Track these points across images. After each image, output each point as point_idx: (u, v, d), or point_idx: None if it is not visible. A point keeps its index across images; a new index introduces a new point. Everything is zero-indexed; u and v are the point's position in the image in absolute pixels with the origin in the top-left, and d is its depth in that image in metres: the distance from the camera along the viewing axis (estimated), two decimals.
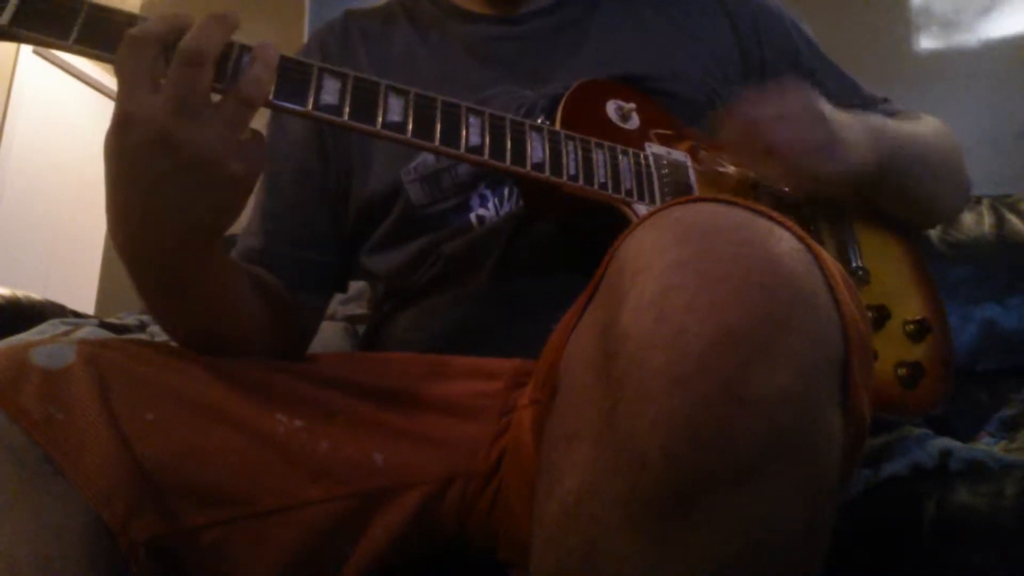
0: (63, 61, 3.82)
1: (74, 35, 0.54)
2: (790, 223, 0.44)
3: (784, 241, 0.42)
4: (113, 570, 0.51)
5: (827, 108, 0.74)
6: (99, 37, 0.54)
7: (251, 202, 0.74)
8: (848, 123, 0.75)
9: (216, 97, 0.54)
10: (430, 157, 0.79)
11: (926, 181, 0.85)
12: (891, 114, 0.94)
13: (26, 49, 3.55)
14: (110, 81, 4.12)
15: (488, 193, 0.78)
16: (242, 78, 0.54)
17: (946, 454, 0.71)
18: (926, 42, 1.99)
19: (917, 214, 0.88)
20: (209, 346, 0.64)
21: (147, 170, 0.53)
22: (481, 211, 0.78)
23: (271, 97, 0.57)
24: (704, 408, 0.37)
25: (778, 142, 0.71)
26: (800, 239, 0.43)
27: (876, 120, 0.81)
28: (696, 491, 0.37)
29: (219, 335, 0.65)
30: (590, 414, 0.42)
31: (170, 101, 0.52)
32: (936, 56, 1.97)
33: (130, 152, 0.53)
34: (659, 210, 0.45)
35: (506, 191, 0.78)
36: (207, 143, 0.52)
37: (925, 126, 0.88)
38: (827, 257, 0.43)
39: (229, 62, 0.56)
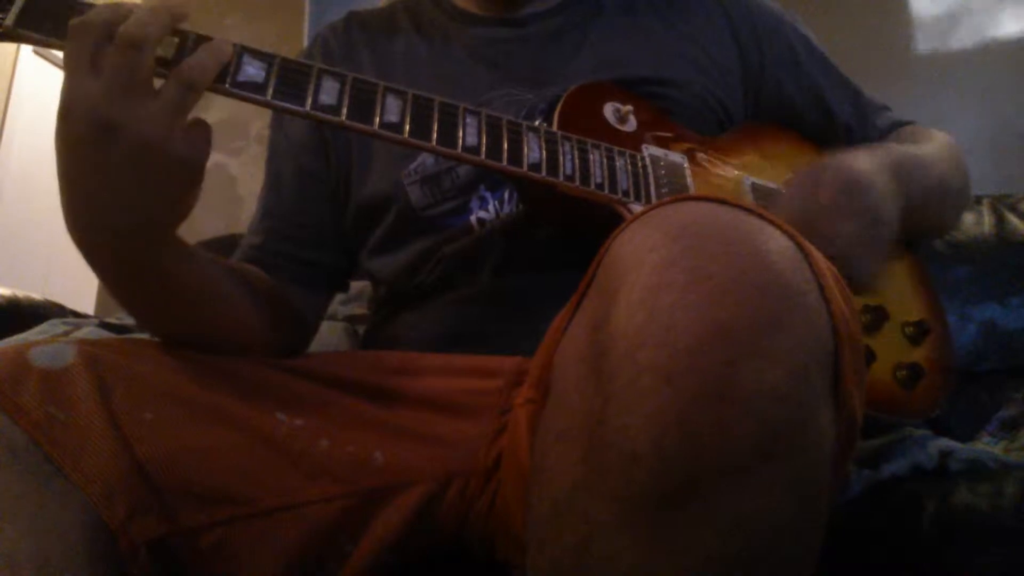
0: (63, 61, 3.81)
1: None
2: (780, 221, 0.44)
3: (774, 239, 0.42)
4: (113, 570, 0.51)
5: (865, 180, 0.70)
6: None
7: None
8: (883, 187, 0.71)
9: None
10: (430, 159, 0.79)
11: (941, 210, 0.85)
12: (893, 125, 0.94)
13: (26, 49, 3.55)
14: None
15: (488, 195, 0.78)
16: (185, 61, 0.54)
17: (946, 454, 0.71)
18: (926, 43, 1.99)
19: (926, 234, 0.89)
20: (193, 345, 0.63)
21: (91, 158, 0.52)
22: (481, 213, 0.78)
23: (270, 97, 0.57)
24: (695, 405, 0.37)
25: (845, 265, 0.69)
26: (790, 237, 0.43)
27: (901, 158, 0.78)
28: (688, 488, 0.37)
29: (199, 333, 0.65)
30: (582, 411, 0.42)
31: (110, 85, 0.51)
32: (936, 57, 1.97)
33: (73, 140, 0.52)
34: (650, 208, 0.46)
35: (506, 193, 0.78)
36: (148, 127, 0.52)
37: (937, 148, 0.87)
38: (817, 255, 0.44)
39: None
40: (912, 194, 0.75)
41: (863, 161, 0.72)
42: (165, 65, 0.54)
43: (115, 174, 0.52)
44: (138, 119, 0.51)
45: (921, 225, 0.83)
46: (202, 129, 0.55)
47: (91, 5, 0.55)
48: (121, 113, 0.51)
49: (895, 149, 0.81)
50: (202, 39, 0.56)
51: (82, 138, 0.52)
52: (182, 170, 0.54)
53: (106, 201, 0.54)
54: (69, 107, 0.52)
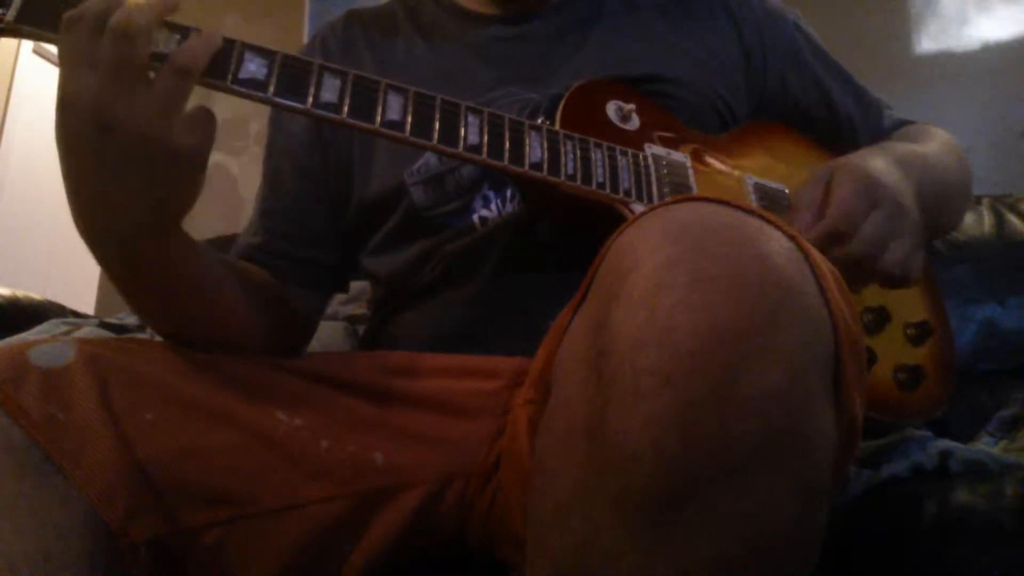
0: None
1: None
2: (781, 222, 0.44)
3: (775, 240, 0.42)
4: (113, 570, 0.51)
5: (885, 181, 0.69)
6: None
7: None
8: (899, 179, 0.71)
9: None
10: (433, 159, 0.79)
11: (946, 209, 0.85)
12: (897, 124, 0.94)
13: (26, 49, 3.55)
14: None
15: (491, 194, 0.78)
16: (176, 49, 0.53)
17: (946, 455, 0.71)
18: (926, 42, 1.98)
19: (932, 234, 0.89)
20: (195, 342, 0.63)
21: (91, 151, 0.52)
22: (483, 212, 0.78)
23: (271, 94, 0.57)
24: (695, 406, 0.37)
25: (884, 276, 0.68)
26: (791, 238, 0.43)
27: (905, 154, 0.78)
28: (688, 489, 0.37)
29: (202, 329, 0.65)
30: (583, 412, 0.42)
31: (104, 77, 0.51)
32: (936, 56, 1.97)
33: (72, 134, 0.52)
34: (651, 209, 0.46)
35: (508, 192, 0.78)
36: (146, 118, 0.51)
37: (940, 147, 0.87)
38: (818, 256, 0.44)
39: (229, 61, 0.55)
40: (923, 192, 0.74)
41: (872, 159, 0.72)
42: (163, 60, 0.54)
43: (116, 166, 0.52)
44: (134, 110, 0.51)
45: (928, 224, 0.83)
46: (204, 119, 0.55)
47: None
48: (117, 105, 0.51)
49: (899, 146, 0.81)
50: (195, 29, 0.56)
51: (80, 131, 0.52)
52: (183, 160, 0.54)
53: (109, 194, 0.54)
54: (66, 101, 0.52)
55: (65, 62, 0.52)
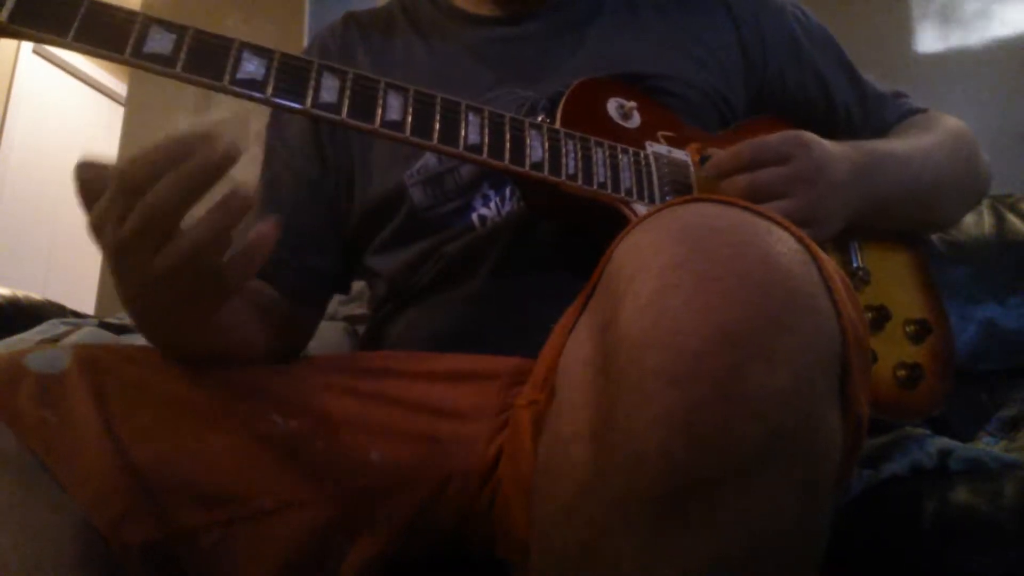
0: (63, 61, 3.82)
1: (73, 32, 0.53)
2: (788, 223, 0.44)
3: (782, 241, 0.42)
4: (107, 575, 0.51)
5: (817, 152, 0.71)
6: (98, 34, 0.54)
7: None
8: (838, 172, 0.72)
9: (215, 97, 0.53)
10: (432, 159, 0.79)
11: (929, 202, 0.85)
12: (904, 114, 0.93)
13: (26, 49, 3.55)
14: (110, 81, 4.12)
15: (491, 193, 0.78)
16: (223, 262, 0.51)
17: (946, 454, 0.71)
18: (927, 42, 1.98)
19: (918, 228, 0.89)
20: (201, 362, 0.63)
21: (125, 268, 0.51)
22: (483, 211, 0.78)
23: (270, 95, 0.56)
24: (701, 408, 0.37)
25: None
26: (798, 239, 0.43)
27: (869, 149, 0.79)
28: (694, 491, 0.37)
29: (212, 354, 0.64)
30: (588, 414, 0.42)
31: (133, 239, 0.48)
32: (937, 56, 1.97)
33: (107, 255, 0.51)
34: (657, 210, 0.46)
35: (508, 190, 0.78)
36: (178, 265, 0.49)
37: (936, 140, 0.86)
38: (825, 257, 0.43)
39: (227, 61, 0.55)
40: (886, 182, 0.76)
41: (825, 140, 0.73)
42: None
43: (152, 286, 0.51)
44: (163, 260, 0.49)
45: (898, 218, 0.83)
46: (257, 247, 0.52)
47: (90, 1, 0.54)
48: (145, 254, 0.49)
49: (874, 142, 0.82)
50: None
51: (113, 261, 0.50)
52: (219, 289, 0.53)
53: (149, 296, 0.53)
54: (94, 229, 0.50)
55: (89, 209, 0.49)
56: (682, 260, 0.40)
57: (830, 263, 0.44)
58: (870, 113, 0.92)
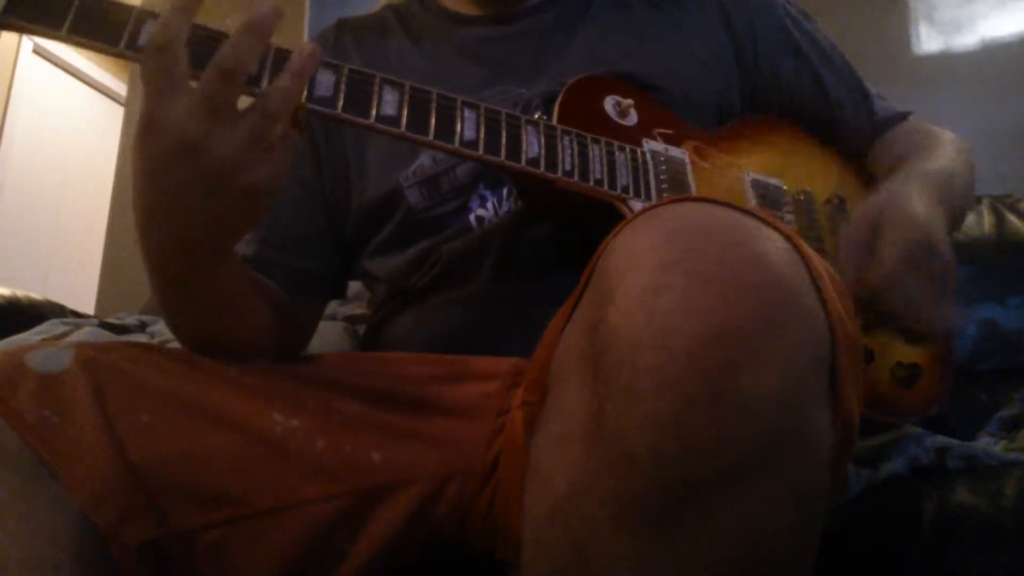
0: (63, 60, 3.82)
1: (67, 25, 0.53)
2: (778, 223, 0.44)
3: (771, 241, 0.42)
4: (106, 574, 0.51)
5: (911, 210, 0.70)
6: (93, 27, 0.54)
7: None
8: (943, 231, 0.71)
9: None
10: (427, 161, 0.79)
11: (957, 222, 0.85)
12: (892, 118, 0.93)
13: (26, 48, 3.55)
14: (110, 80, 4.12)
15: (487, 193, 0.78)
16: (269, 89, 0.54)
17: (943, 450, 0.71)
18: (926, 43, 1.98)
19: None
20: (212, 348, 0.64)
21: (171, 175, 0.53)
22: (480, 211, 0.78)
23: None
24: (692, 409, 0.37)
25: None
26: (788, 239, 0.43)
27: (939, 182, 0.78)
28: (685, 491, 0.37)
29: (225, 338, 0.65)
30: (579, 414, 0.42)
31: (198, 109, 0.51)
32: (936, 57, 1.97)
33: (154, 156, 0.53)
34: (648, 209, 0.46)
35: (504, 191, 0.78)
36: (228, 153, 0.52)
37: (952, 155, 0.87)
38: (814, 256, 0.43)
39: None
40: (956, 220, 0.77)
41: (915, 200, 0.72)
42: (252, 82, 0.55)
43: (192, 190, 0.53)
44: (221, 144, 0.52)
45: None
46: (280, 153, 0.55)
47: None
48: (205, 137, 0.51)
49: (930, 172, 0.80)
50: (281, 52, 0.56)
51: (163, 156, 0.52)
52: (258, 189, 0.55)
53: (179, 215, 0.55)
54: (152, 125, 0.52)
55: (151, 85, 0.52)
56: (673, 260, 0.40)
57: (819, 262, 0.44)
58: (860, 108, 0.93)
